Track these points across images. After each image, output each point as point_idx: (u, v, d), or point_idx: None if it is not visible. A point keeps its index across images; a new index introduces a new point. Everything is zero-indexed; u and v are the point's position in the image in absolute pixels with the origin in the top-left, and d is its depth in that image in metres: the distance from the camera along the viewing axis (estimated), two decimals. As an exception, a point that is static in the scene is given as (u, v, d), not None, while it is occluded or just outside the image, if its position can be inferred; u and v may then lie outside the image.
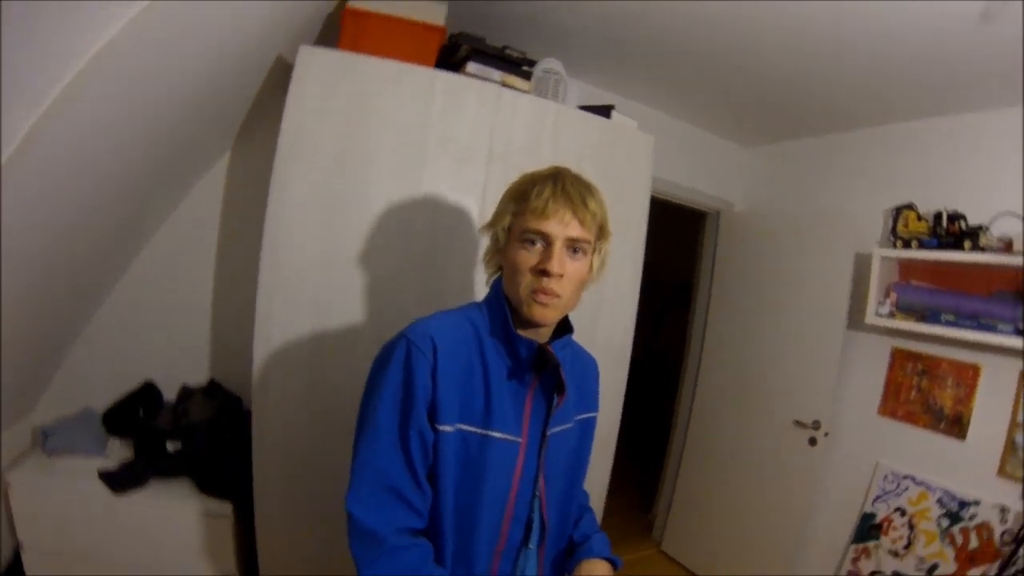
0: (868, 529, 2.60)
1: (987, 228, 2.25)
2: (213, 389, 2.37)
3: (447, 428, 1.07)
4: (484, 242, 1.92)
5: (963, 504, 2.33)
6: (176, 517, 2.00)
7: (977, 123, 2.44)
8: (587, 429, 1.32)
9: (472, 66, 2.02)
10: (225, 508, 2.03)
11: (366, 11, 1.92)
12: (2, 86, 1.08)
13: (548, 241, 1.09)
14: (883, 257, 2.56)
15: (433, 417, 1.07)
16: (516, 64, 2.12)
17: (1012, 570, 2.08)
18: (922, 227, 2.45)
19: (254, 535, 1.93)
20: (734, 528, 3.15)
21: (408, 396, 1.06)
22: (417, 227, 1.89)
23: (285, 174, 1.78)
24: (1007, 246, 2.14)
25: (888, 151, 2.79)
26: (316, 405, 1.87)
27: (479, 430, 1.10)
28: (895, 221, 2.56)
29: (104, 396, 2.23)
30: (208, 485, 2.07)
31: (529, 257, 1.10)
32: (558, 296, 1.10)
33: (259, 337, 1.81)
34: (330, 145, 1.81)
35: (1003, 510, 2.21)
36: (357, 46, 1.88)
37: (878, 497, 2.60)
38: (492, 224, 1.21)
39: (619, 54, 2.55)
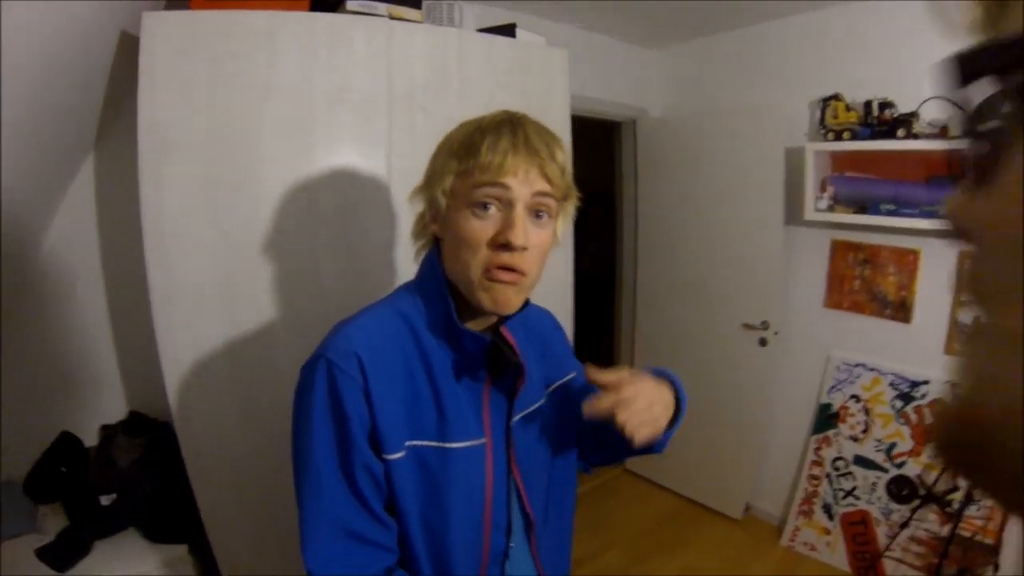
0: (826, 419, 2.57)
1: (918, 114, 2.11)
2: (135, 422, 2.01)
3: (396, 455, 0.84)
4: (401, 203, 1.66)
5: (914, 384, 2.30)
6: (133, 576, 1.70)
7: (901, 9, 2.23)
8: (568, 395, 1.09)
9: (353, 3, 1.66)
10: (181, 552, 1.76)
11: (219, -43, 1.48)
12: None
13: (507, 204, 0.83)
14: (816, 151, 2.39)
15: (377, 445, 0.83)
16: (403, -9, 1.75)
17: None
18: (852, 117, 2.28)
19: (217, 568, 1.70)
20: (695, 436, 2.99)
21: (342, 429, 0.82)
22: (322, 198, 1.59)
23: (155, 170, 1.42)
24: (942, 131, 2.00)
25: (807, 41, 2.56)
26: (246, 415, 1.60)
27: (435, 443, 0.87)
28: (823, 112, 2.37)
29: (19, 462, 1.84)
30: (156, 533, 1.78)
31: (483, 227, 0.83)
32: (524, 274, 0.85)
33: (165, 355, 1.50)
34: (202, 125, 1.45)
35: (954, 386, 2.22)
36: (213, 1, 1.48)
37: (833, 387, 2.56)
38: (428, 186, 0.90)
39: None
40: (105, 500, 1.84)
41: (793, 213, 2.58)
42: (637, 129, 3.30)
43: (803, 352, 2.71)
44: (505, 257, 0.83)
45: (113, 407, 2.07)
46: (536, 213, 0.85)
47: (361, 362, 0.82)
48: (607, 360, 3.83)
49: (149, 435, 1.95)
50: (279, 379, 1.60)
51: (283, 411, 1.53)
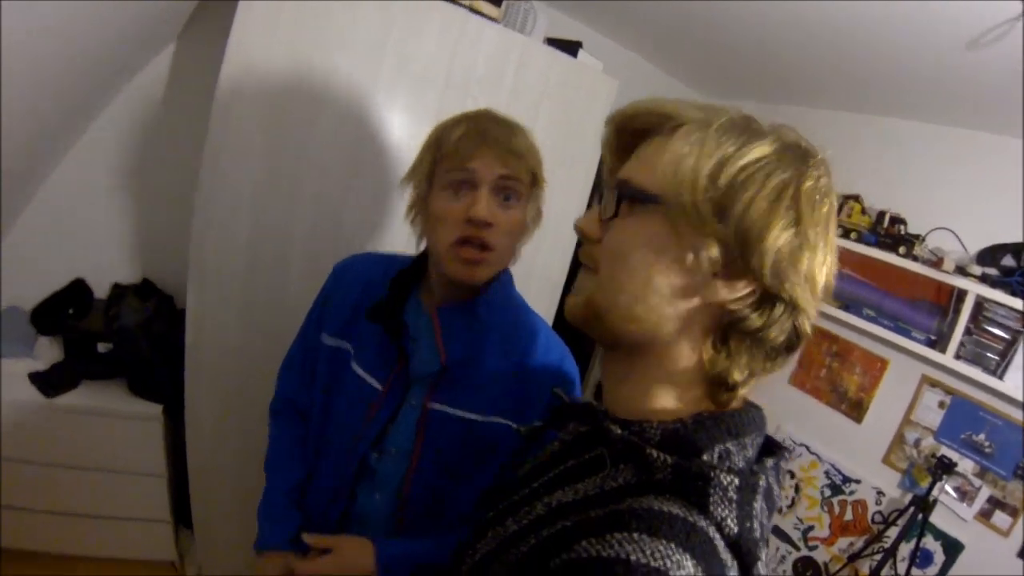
0: (760, 484, 2.73)
1: (923, 239, 2.24)
2: (146, 288, 2.26)
3: (325, 339, 1.14)
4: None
5: (846, 479, 2.45)
6: (108, 420, 1.96)
7: (940, 136, 2.36)
8: (486, 436, 1.04)
9: (439, -15, 1.82)
10: (155, 411, 2.01)
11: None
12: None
13: (473, 186, 0.96)
14: (821, 241, 2.52)
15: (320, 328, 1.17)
16: (488, -14, 1.92)
17: (877, 546, 2.22)
18: (865, 221, 2.42)
19: (183, 435, 1.92)
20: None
21: (314, 308, 1.22)
22: (362, 151, 1.79)
23: (230, 89, 1.60)
24: (938, 262, 2.14)
25: (846, 138, 2.67)
26: (252, 312, 1.82)
27: (351, 358, 1.11)
28: (839, 208, 2.50)
29: (32, 294, 2.10)
30: (140, 388, 2.04)
31: (453, 207, 0.96)
32: (490, 249, 0.96)
33: (194, 245, 1.71)
34: (281, 62, 1.64)
35: (879, 493, 2.34)
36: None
37: (775, 458, 2.71)
38: (410, 175, 1.06)
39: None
40: (102, 348, 2.08)
41: (784, 290, 2.69)
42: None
43: (758, 417, 2.83)
44: (471, 230, 0.95)
45: (128, 270, 2.30)
46: (504, 196, 0.98)
47: (336, 275, 1.20)
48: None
49: (157, 303, 2.17)
50: (286, 287, 1.84)
51: (282, 316, 1.82)
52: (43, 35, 1.35)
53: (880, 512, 2.32)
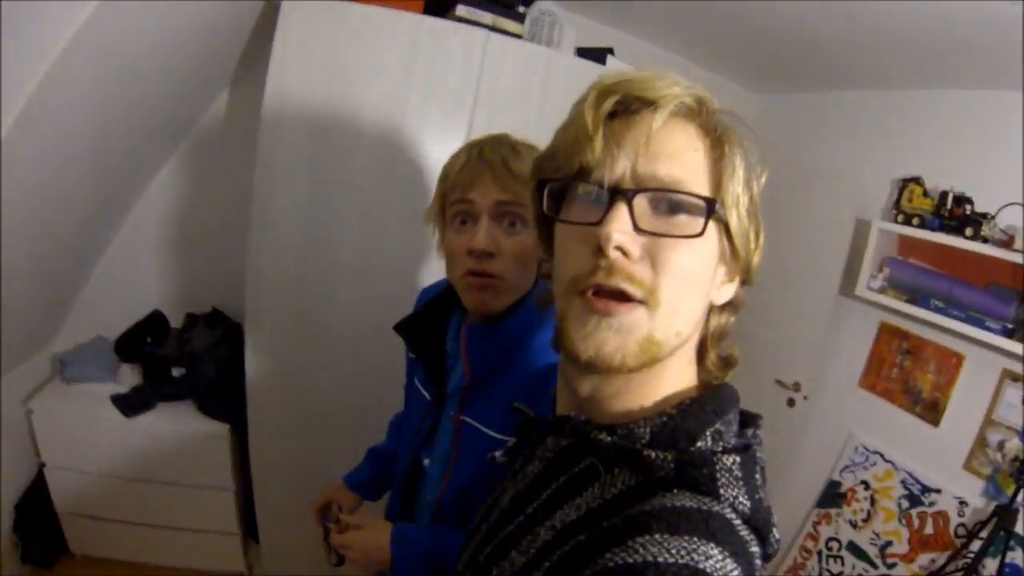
0: (832, 496, 2.56)
1: (992, 217, 2.03)
2: (215, 317, 2.45)
3: (409, 354, 1.21)
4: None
5: (925, 489, 2.25)
6: (180, 438, 2.14)
7: (1004, 104, 2.13)
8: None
9: (462, 8, 1.89)
10: (223, 430, 2.16)
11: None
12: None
13: (474, 216, 0.96)
14: (881, 229, 2.36)
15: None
16: (509, 6, 1.97)
17: (960, 562, 2.02)
18: (927, 204, 2.22)
19: (247, 450, 2.08)
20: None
21: None
22: (400, 171, 1.89)
23: (274, 122, 1.76)
24: (1009, 240, 1.94)
25: (899, 116, 2.51)
26: (304, 332, 1.96)
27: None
28: (900, 193, 2.32)
29: (115, 325, 2.33)
30: (209, 409, 2.20)
31: (459, 239, 0.97)
32: (498, 277, 0.95)
33: (250, 270, 1.87)
34: (317, 92, 1.78)
35: (962, 503, 2.13)
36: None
37: (846, 467, 2.54)
38: (427, 214, 1.10)
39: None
40: (176, 372, 2.27)
41: (848, 285, 2.55)
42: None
43: (826, 423, 2.69)
44: (472, 262, 0.95)
45: (201, 301, 2.51)
46: (509, 222, 0.96)
47: (418, 296, 1.24)
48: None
49: (224, 330, 2.35)
50: (337, 311, 1.97)
51: (333, 336, 1.95)
52: (117, 93, 1.59)
53: (964, 524, 2.11)
